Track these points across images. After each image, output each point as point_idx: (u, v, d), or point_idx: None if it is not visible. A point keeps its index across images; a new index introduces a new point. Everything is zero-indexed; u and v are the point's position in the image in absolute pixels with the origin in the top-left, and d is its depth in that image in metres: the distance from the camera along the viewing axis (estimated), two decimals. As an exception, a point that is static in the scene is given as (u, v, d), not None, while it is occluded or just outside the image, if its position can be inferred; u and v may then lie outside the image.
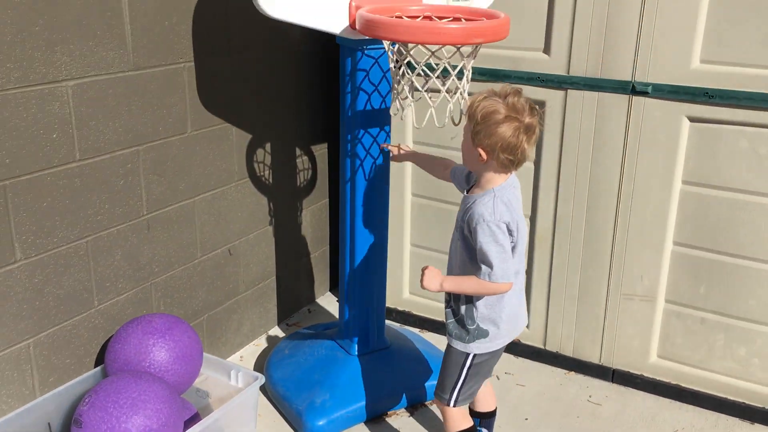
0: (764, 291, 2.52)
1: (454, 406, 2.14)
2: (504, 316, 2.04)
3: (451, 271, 2.12)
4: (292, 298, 3.31)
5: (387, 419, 2.61)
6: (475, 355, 2.08)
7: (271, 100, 2.90)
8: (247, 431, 2.21)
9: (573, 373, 2.94)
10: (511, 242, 1.96)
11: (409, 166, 3.06)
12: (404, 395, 2.65)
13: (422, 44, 2.05)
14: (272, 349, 2.90)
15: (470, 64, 2.15)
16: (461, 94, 2.13)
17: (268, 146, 2.94)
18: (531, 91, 2.67)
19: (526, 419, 2.64)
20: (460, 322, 2.07)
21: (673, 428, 2.60)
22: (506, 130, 1.86)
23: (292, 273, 3.27)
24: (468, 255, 2.02)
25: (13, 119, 1.97)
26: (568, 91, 2.65)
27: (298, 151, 3.13)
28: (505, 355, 3.01)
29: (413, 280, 3.25)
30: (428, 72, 2.11)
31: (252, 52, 2.74)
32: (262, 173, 2.94)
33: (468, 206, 1.99)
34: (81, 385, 2.17)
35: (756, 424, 2.62)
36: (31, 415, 2.04)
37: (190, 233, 2.65)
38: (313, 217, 3.31)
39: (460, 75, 2.15)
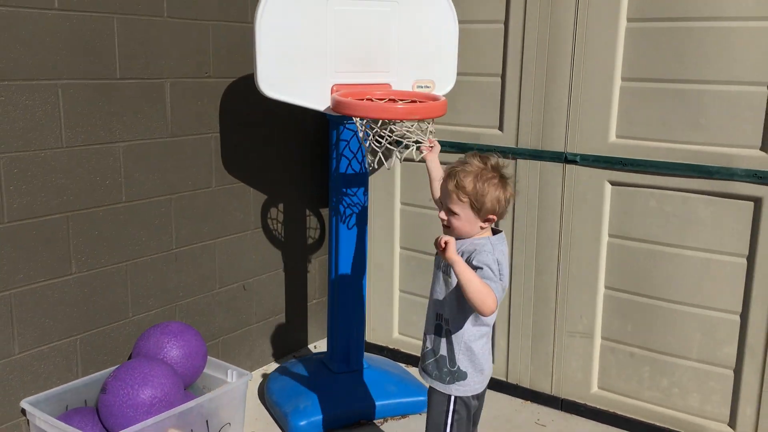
0: (679, 328, 2.98)
1: None
2: (479, 360, 2.15)
3: (440, 308, 2.20)
4: (300, 334, 3.90)
5: (360, 427, 3.13)
6: (456, 399, 2.16)
7: (284, 166, 3.59)
8: (237, 417, 2.78)
9: (529, 402, 3.40)
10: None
11: (397, 224, 3.68)
12: (375, 408, 3.17)
13: (375, 119, 2.66)
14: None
15: (431, 127, 2.70)
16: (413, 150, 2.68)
17: (281, 205, 3.62)
18: (489, 161, 3.29)
19: (478, 433, 3.11)
20: (440, 361, 2.18)
21: (602, 446, 3.03)
22: (499, 194, 2.08)
23: (300, 312, 3.87)
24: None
25: (78, 168, 2.71)
26: (518, 160, 3.25)
27: (307, 211, 3.79)
28: (472, 386, 3.51)
29: (402, 321, 3.80)
30: (379, 141, 2.71)
31: (268, 127, 3.46)
32: (275, 228, 3.61)
33: (461, 246, 2.09)
34: (113, 375, 2.80)
35: (677, 446, 3.02)
36: (72, 392, 2.68)
37: (210, 268, 3.32)
38: (321, 266, 3.94)
39: (417, 142, 2.73)
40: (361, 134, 2.78)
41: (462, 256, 2.05)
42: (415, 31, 2.95)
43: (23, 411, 2.57)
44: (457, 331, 2.15)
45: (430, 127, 2.68)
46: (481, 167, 2.10)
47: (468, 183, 2.07)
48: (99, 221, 2.81)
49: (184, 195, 3.14)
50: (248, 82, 3.27)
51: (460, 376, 2.16)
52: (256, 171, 3.45)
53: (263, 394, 3.33)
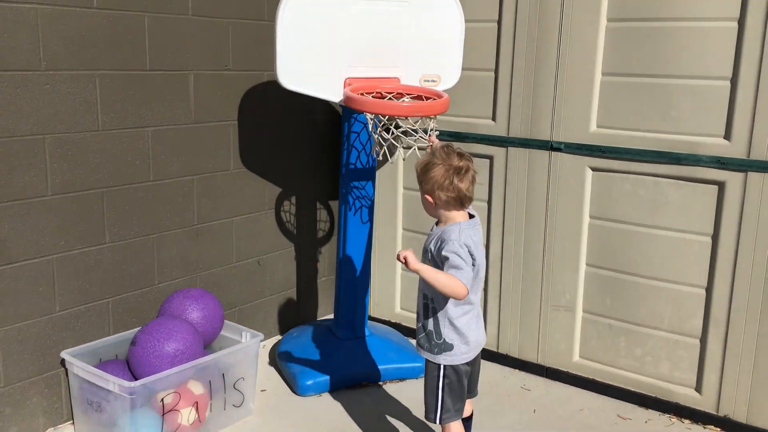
0: (651, 301, 3.27)
1: (440, 422, 2.48)
2: (463, 333, 2.42)
3: (426, 289, 2.44)
4: (310, 309, 4.23)
5: (362, 388, 3.45)
6: (445, 367, 2.45)
7: (296, 153, 3.91)
8: (250, 372, 3.11)
9: (517, 370, 3.70)
10: (473, 265, 2.33)
11: (400, 207, 4.00)
12: (377, 372, 3.49)
13: (382, 114, 2.95)
14: (286, 338, 3.83)
15: (433, 123, 2.99)
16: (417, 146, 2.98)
17: (293, 191, 3.94)
18: (483, 148, 3.61)
19: (468, 395, 3.43)
20: (429, 336, 2.46)
21: (579, 408, 3.33)
22: (437, 173, 2.34)
23: (311, 288, 4.20)
24: None
25: (112, 150, 3.06)
26: (509, 148, 3.55)
27: (317, 196, 4.11)
28: (465, 355, 3.82)
29: (403, 297, 4.12)
30: (385, 134, 3.01)
31: (282, 116, 3.79)
32: (287, 210, 3.94)
33: (436, 234, 2.40)
34: (140, 334, 3.15)
35: (649, 409, 3.31)
36: (104, 347, 3.03)
37: (228, 243, 3.65)
38: (331, 247, 4.26)
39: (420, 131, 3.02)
40: (370, 127, 3.08)
41: (438, 245, 2.36)
42: (423, 29, 3.21)
43: (62, 361, 2.92)
44: (441, 309, 2.43)
45: (432, 124, 2.93)
46: (432, 157, 2.39)
47: (419, 170, 2.40)
48: (129, 197, 3.15)
49: (205, 176, 3.48)
50: (264, 74, 3.62)
51: (446, 347, 2.44)
52: (271, 156, 3.78)
53: (275, 357, 3.66)
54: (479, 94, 3.61)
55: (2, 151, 2.69)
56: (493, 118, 3.59)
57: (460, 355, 2.45)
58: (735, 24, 2.89)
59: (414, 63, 3.23)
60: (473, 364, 2.56)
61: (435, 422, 2.50)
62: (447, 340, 2.43)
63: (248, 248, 3.77)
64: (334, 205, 4.18)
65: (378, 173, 3.96)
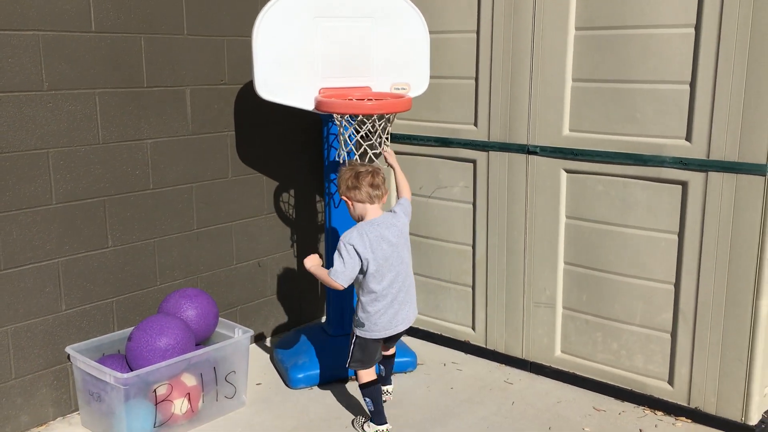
0: (624, 298, 3.40)
1: (348, 367, 3.13)
2: (372, 317, 3.01)
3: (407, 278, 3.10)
4: (312, 308, 4.45)
5: (351, 382, 3.64)
6: (357, 336, 3.08)
7: (291, 158, 4.14)
8: (241, 366, 3.34)
9: (503, 365, 3.85)
10: (363, 265, 2.93)
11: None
12: (365, 366, 3.67)
13: (348, 114, 3.18)
14: (284, 335, 4.05)
15: (389, 127, 3.26)
16: (380, 144, 3.23)
17: (291, 192, 4.18)
18: (467, 153, 3.79)
19: (452, 388, 3.60)
20: (354, 314, 3.11)
21: (557, 400, 3.47)
22: (348, 176, 3.01)
23: (312, 289, 4.41)
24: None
25: (112, 161, 3.32)
26: (489, 152, 3.71)
27: (317, 197, 4.34)
28: (454, 351, 4.01)
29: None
30: (353, 135, 3.23)
31: (277, 126, 4.02)
32: (287, 211, 4.17)
33: None
34: (142, 331, 3.40)
35: (625, 402, 3.43)
36: (108, 342, 3.29)
37: (228, 246, 3.90)
38: (329, 247, 4.47)
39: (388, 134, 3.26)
40: (339, 129, 3.30)
41: None
42: (391, 41, 3.45)
43: (68, 356, 3.19)
44: (358, 295, 3.09)
45: (388, 129, 3.26)
46: (344, 168, 3.07)
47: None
48: (130, 204, 3.41)
49: (204, 183, 3.72)
50: (256, 87, 3.84)
51: (359, 323, 3.08)
52: (267, 163, 4.01)
53: (272, 355, 3.89)
54: (462, 102, 3.79)
55: (9, 164, 2.97)
56: (475, 124, 3.76)
57: (369, 332, 3.06)
58: (692, 30, 3.01)
59: (384, 72, 3.45)
60: (388, 340, 3.17)
61: (348, 365, 3.13)
62: (360, 318, 3.07)
63: (248, 251, 4.00)
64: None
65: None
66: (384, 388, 3.38)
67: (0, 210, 2.96)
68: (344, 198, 3.06)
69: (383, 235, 2.99)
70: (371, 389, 3.13)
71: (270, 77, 3.19)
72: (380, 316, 3.04)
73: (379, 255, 2.97)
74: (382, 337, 3.09)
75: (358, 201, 3.02)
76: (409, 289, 3.12)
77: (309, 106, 3.31)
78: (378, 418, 3.12)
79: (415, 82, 3.55)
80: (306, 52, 3.26)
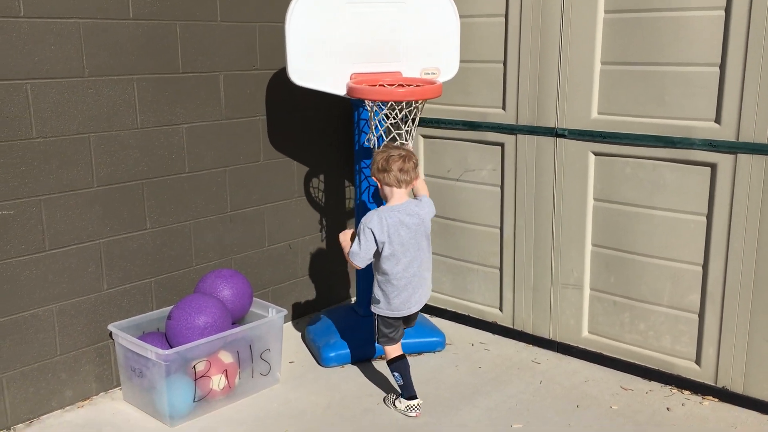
0: (652, 279, 3.43)
1: (377, 343, 3.27)
2: (388, 296, 3.14)
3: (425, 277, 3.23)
4: (342, 290, 4.53)
5: (380, 360, 3.73)
6: (377, 315, 3.22)
7: (322, 143, 4.21)
8: (275, 345, 3.44)
9: (531, 345, 3.92)
10: (379, 248, 3.05)
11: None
12: (395, 345, 3.76)
13: (380, 101, 3.23)
14: (315, 316, 4.15)
15: (419, 114, 3.32)
16: (408, 131, 3.30)
17: (321, 176, 4.25)
18: (494, 136, 3.83)
19: (480, 367, 3.67)
20: (372, 292, 3.24)
21: (584, 379, 3.52)
22: (382, 157, 3.08)
23: (341, 270, 4.50)
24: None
25: (150, 145, 3.42)
26: (518, 135, 3.75)
27: (346, 182, 4.41)
28: (482, 332, 4.08)
29: (426, 278, 4.37)
30: (384, 120, 3.30)
31: (307, 110, 4.09)
32: (316, 195, 4.25)
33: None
34: (179, 310, 3.51)
35: (652, 381, 3.48)
36: (147, 321, 3.41)
37: (260, 229, 3.99)
38: (358, 230, 4.54)
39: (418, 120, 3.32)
40: (370, 114, 3.37)
41: None
42: (420, 26, 3.48)
43: (110, 333, 3.30)
44: (374, 274, 3.22)
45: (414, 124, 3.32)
46: (378, 150, 3.14)
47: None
48: (167, 187, 3.51)
49: (237, 167, 3.81)
50: (287, 72, 3.91)
51: (375, 300, 3.23)
52: (298, 147, 4.09)
53: (304, 334, 3.99)
54: (490, 85, 3.83)
55: (53, 149, 3.07)
56: (503, 107, 3.80)
57: (384, 310, 3.20)
58: (722, 13, 3.02)
59: (414, 57, 3.49)
60: (407, 319, 3.30)
61: (376, 342, 3.28)
62: (375, 296, 3.22)
63: (280, 233, 4.09)
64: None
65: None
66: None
67: (45, 193, 3.07)
68: (374, 178, 3.15)
69: (403, 220, 3.08)
70: (398, 364, 3.24)
71: (302, 63, 3.25)
72: (394, 297, 3.16)
73: (396, 240, 3.08)
74: (396, 316, 3.20)
75: (386, 184, 3.11)
76: (424, 273, 3.22)
77: (341, 91, 3.37)
78: (407, 391, 3.21)
79: (445, 66, 3.59)
80: (337, 37, 3.31)
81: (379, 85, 3.35)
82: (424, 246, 3.18)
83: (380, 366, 3.66)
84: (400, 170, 3.07)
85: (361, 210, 3.75)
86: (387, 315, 3.20)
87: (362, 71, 3.38)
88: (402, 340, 3.75)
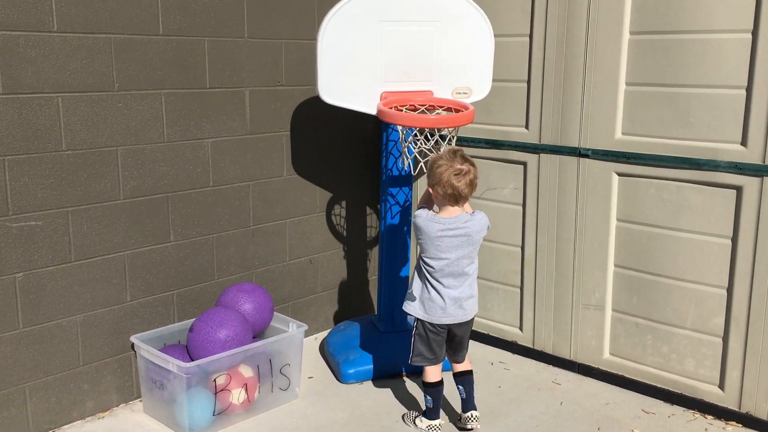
0: (675, 300, 3.41)
1: (411, 363, 3.11)
2: (422, 296, 3.01)
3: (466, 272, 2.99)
4: (360, 305, 4.54)
5: (400, 378, 3.72)
6: (416, 322, 3.06)
7: (346, 162, 4.23)
8: (295, 359, 3.44)
9: (551, 366, 3.89)
10: (420, 239, 2.95)
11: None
12: (414, 363, 3.75)
13: (409, 126, 3.23)
14: (335, 331, 4.15)
15: (456, 134, 3.32)
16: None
17: (343, 195, 4.27)
18: (517, 155, 3.84)
19: (499, 387, 3.65)
20: (409, 287, 3.12)
21: (605, 402, 3.49)
22: (442, 171, 2.87)
23: (361, 286, 4.50)
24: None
25: (175, 158, 3.45)
26: (540, 154, 3.75)
27: (366, 201, 4.42)
28: (502, 351, 4.06)
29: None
30: (415, 142, 3.30)
31: (330, 127, 4.11)
32: (338, 223, 4.26)
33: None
34: (200, 323, 3.53)
35: (674, 405, 3.44)
36: (169, 333, 3.43)
37: (281, 243, 4.01)
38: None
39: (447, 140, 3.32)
40: (401, 137, 3.37)
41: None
42: (454, 45, 3.46)
43: (132, 345, 3.33)
44: (416, 268, 3.10)
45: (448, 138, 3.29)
46: (440, 158, 2.91)
47: (429, 166, 2.97)
48: (191, 201, 3.54)
49: (260, 182, 3.84)
50: (315, 88, 3.93)
51: (410, 297, 3.09)
52: (321, 163, 4.12)
53: (323, 348, 3.99)
54: (513, 104, 3.83)
55: (82, 161, 3.11)
56: (527, 126, 3.80)
57: (417, 310, 3.05)
58: (749, 35, 3.01)
59: (446, 77, 3.48)
60: (451, 338, 3.10)
61: (409, 362, 3.13)
62: (412, 291, 3.07)
63: (300, 248, 4.11)
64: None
65: (421, 180, 4.23)
66: (466, 414, 3.17)
67: (72, 204, 3.11)
68: (429, 188, 2.97)
69: (446, 234, 2.93)
70: (434, 389, 3.15)
71: (333, 81, 3.26)
72: (426, 297, 3.01)
73: (446, 249, 2.95)
74: (433, 322, 3.02)
75: (441, 196, 2.93)
76: (468, 270, 3.00)
77: (371, 110, 3.36)
78: (432, 414, 3.18)
79: (477, 86, 3.56)
80: (369, 56, 3.31)
81: (410, 105, 3.33)
82: (470, 251, 2.98)
83: (400, 383, 3.66)
84: (459, 190, 2.87)
85: (385, 241, 3.74)
86: (422, 318, 3.03)
87: (393, 90, 3.38)
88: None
